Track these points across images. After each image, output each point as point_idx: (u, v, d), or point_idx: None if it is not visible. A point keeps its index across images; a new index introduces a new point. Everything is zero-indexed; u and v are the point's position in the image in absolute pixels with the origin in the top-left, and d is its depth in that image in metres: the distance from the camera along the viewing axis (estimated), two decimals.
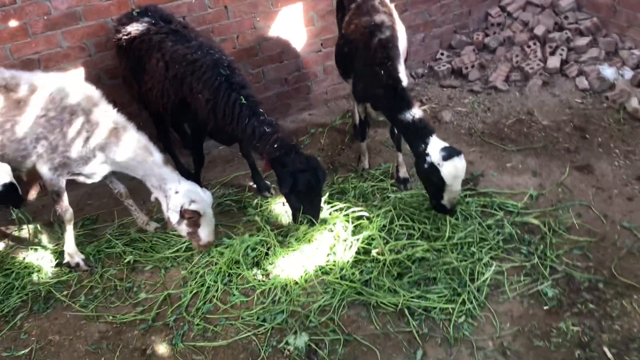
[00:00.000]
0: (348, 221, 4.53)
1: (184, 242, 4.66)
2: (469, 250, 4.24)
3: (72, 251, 4.60)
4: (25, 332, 4.15)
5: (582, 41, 6.52)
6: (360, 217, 4.59)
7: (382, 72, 4.44)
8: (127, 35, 4.86)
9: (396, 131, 4.94)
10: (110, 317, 4.17)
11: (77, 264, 4.59)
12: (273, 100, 6.41)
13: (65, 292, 4.43)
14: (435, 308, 3.84)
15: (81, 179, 4.50)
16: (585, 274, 4.00)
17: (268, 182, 5.30)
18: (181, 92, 4.61)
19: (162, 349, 3.89)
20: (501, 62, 6.68)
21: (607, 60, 6.37)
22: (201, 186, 4.95)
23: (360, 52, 4.63)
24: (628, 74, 6.11)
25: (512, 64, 6.61)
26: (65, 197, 4.48)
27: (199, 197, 4.28)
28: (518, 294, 3.92)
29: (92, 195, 5.51)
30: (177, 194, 4.28)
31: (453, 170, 4.15)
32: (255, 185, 5.32)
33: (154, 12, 4.95)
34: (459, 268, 4.07)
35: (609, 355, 3.43)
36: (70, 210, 4.54)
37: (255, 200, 5.12)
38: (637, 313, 3.67)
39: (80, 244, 4.85)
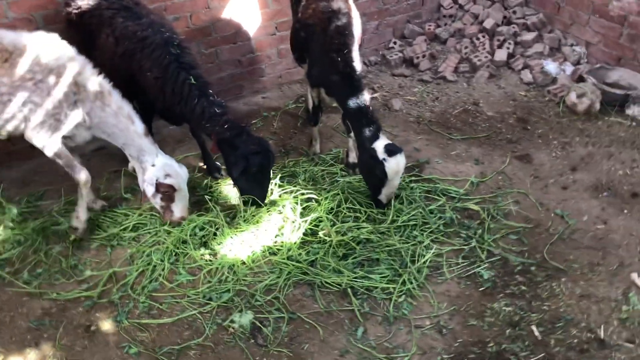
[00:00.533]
0: (297, 203, 4.61)
1: (130, 221, 4.65)
2: (411, 233, 4.40)
3: (82, 217, 4.52)
4: None
5: (528, 36, 6.77)
6: (309, 200, 4.68)
7: (339, 59, 4.50)
8: (77, 9, 4.77)
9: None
10: (54, 294, 4.13)
11: (77, 229, 4.53)
12: (226, 81, 6.40)
13: (8, 269, 4.36)
14: (377, 288, 3.99)
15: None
16: (519, 257, 4.21)
17: (218, 164, 5.31)
18: (130, 69, 4.57)
19: (107, 325, 3.90)
20: (451, 53, 6.86)
21: (551, 55, 6.64)
22: None
23: (317, 37, 4.67)
24: (569, 69, 6.39)
25: (462, 55, 6.80)
26: (71, 158, 4.36)
27: (175, 172, 4.31)
28: (456, 275, 4.10)
29: (38, 172, 5.40)
30: (154, 167, 4.30)
31: (395, 166, 4.35)
32: (205, 166, 5.33)
33: None
34: (401, 250, 4.22)
35: (536, 333, 3.65)
36: (85, 170, 4.40)
37: (205, 181, 5.14)
38: (564, 295, 3.90)
39: (24, 220, 4.78)
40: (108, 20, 4.63)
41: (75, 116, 4.15)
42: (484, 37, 6.82)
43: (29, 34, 4.12)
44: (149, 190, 4.37)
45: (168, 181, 4.30)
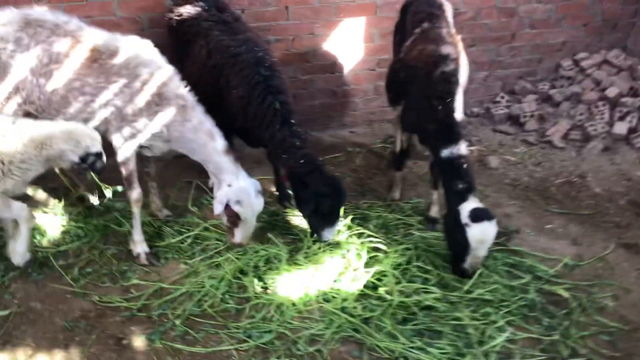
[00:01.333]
0: (362, 250, 4.23)
1: (191, 234, 4.46)
2: (484, 308, 3.87)
3: (137, 239, 4.33)
4: (11, 294, 4.01)
5: None
6: (376, 249, 4.28)
7: (440, 107, 4.13)
8: (178, 16, 4.74)
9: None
10: (96, 298, 3.98)
11: (138, 255, 4.33)
12: (317, 110, 6.20)
13: (61, 262, 4.28)
14: None
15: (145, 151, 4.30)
16: None
17: (290, 192, 5.05)
18: (218, 83, 4.44)
19: (139, 342, 3.67)
20: (563, 117, 6.26)
21: None
22: None
23: (419, 80, 4.30)
24: None
25: (575, 122, 6.19)
26: (135, 173, 4.21)
27: (248, 201, 4.04)
28: None
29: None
30: (229, 188, 4.05)
31: (479, 235, 3.87)
32: (277, 192, 5.09)
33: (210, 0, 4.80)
34: (469, 327, 3.70)
35: None
36: (139, 189, 4.23)
37: (273, 208, 4.89)
38: None
39: (90, 215, 4.74)
40: (205, 31, 4.54)
41: (154, 127, 4.00)
42: (604, 105, 6.18)
43: (124, 37, 4.06)
44: (217, 208, 4.10)
45: (237, 208, 4.03)
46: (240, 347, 3.62)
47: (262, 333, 3.70)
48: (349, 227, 4.54)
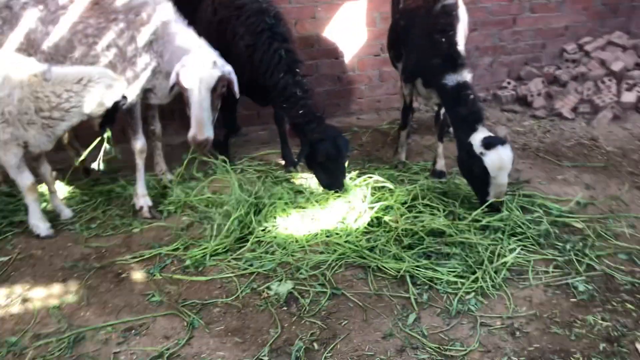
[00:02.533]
0: (367, 190, 4.15)
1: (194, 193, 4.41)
2: (495, 234, 3.72)
3: (140, 192, 4.30)
4: (12, 245, 3.98)
5: None
6: (382, 189, 4.20)
7: (444, 39, 4.12)
8: None
9: (441, 116, 4.63)
10: (97, 245, 3.93)
11: (141, 208, 4.29)
12: (323, 97, 6.21)
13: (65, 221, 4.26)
14: (441, 280, 3.33)
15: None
16: (629, 277, 3.36)
17: (295, 159, 5.02)
18: (224, 37, 4.52)
19: (138, 275, 3.59)
20: (570, 94, 6.22)
21: None
22: (230, 159, 4.75)
23: (420, 20, 4.32)
24: None
25: (582, 96, 6.14)
26: (139, 121, 4.20)
27: (193, 68, 3.67)
28: (543, 283, 3.35)
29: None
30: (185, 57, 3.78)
31: (497, 161, 3.77)
32: (283, 160, 5.06)
33: None
34: (478, 246, 3.55)
35: None
36: (143, 139, 4.23)
37: (279, 172, 4.85)
38: None
39: (96, 184, 4.75)
40: None
41: (149, 58, 4.02)
42: (610, 80, 6.14)
43: None
44: (171, 80, 3.83)
45: (182, 73, 3.68)
46: (242, 273, 3.50)
47: (264, 262, 3.59)
48: (354, 178, 4.46)
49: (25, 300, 3.36)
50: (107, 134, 3.93)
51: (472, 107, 3.96)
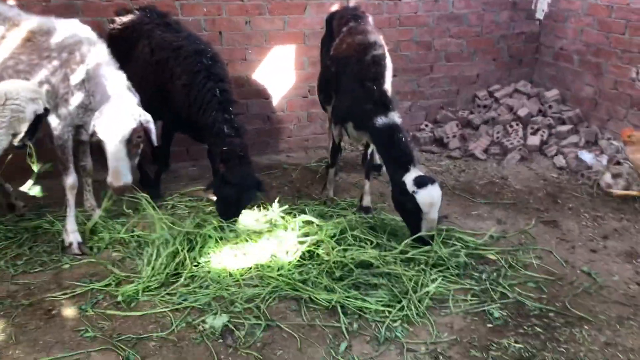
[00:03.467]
0: (296, 224, 4.33)
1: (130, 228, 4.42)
2: (419, 267, 3.98)
3: (70, 228, 4.25)
4: None
5: (564, 128, 6.64)
6: (310, 223, 4.39)
7: (374, 87, 4.38)
8: (120, 25, 4.99)
9: (368, 155, 4.91)
10: (24, 281, 3.86)
11: (70, 244, 4.23)
12: (253, 135, 6.36)
13: None
14: (370, 310, 3.53)
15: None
16: (537, 303, 3.71)
17: None
18: (162, 77, 4.63)
19: (69, 311, 3.56)
20: (482, 136, 6.74)
21: (587, 147, 6.42)
22: (159, 195, 4.82)
23: (351, 68, 4.57)
24: (605, 160, 6.11)
25: (493, 139, 6.67)
26: (71, 157, 4.20)
27: (106, 121, 3.73)
28: (462, 310, 3.62)
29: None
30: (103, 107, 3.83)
31: (428, 198, 4.03)
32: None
33: (152, 10, 5.11)
34: (403, 277, 3.80)
35: None
36: (74, 175, 4.21)
37: (210, 208, 4.94)
38: (586, 341, 3.35)
39: (21, 220, 4.66)
40: (147, 32, 4.80)
41: (79, 98, 4.06)
42: (517, 124, 6.72)
43: (61, 20, 4.23)
44: (90, 129, 3.88)
45: (97, 124, 3.75)
46: (176, 307, 3.55)
47: (198, 297, 3.66)
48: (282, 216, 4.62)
49: None
50: (30, 150, 3.86)
51: (405, 148, 4.23)
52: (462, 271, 4.04)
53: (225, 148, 4.33)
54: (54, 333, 3.33)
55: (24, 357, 3.12)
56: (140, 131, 3.87)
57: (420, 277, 3.83)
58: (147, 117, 3.89)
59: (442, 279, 3.89)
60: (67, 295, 3.69)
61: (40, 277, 3.94)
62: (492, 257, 4.26)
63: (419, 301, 3.64)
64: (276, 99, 6.45)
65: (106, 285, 3.80)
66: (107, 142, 3.76)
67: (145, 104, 4.68)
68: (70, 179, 4.21)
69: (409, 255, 4.05)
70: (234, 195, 4.33)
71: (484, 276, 3.98)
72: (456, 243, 4.37)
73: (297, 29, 6.27)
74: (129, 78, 4.48)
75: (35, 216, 4.78)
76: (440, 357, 3.19)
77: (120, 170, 3.78)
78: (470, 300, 3.73)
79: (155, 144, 4.07)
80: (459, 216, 4.99)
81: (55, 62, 4.00)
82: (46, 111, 3.77)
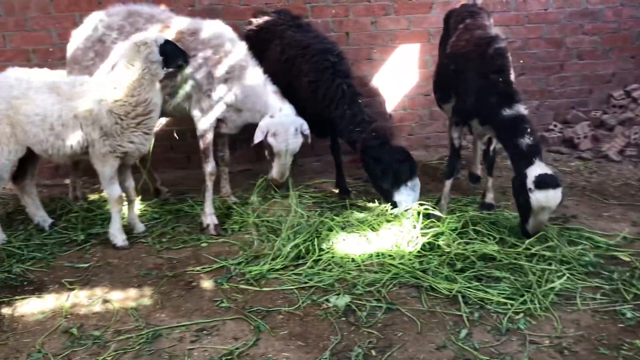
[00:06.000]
0: (419, 217, 4.39)
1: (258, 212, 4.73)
2: (544, 262, 3.89)
3: (208, 211, 4.67)
4: (90, 254, 4.37)
5: None
6: (430, 217, 4.44)
7: (500, 79, 4.32)
8: (256, 26, 5.37)
9: (491, 152, 4.85)
10: (168, 256, 4.27)
11: (207, 226, 4.64)
12: None
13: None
14: (492, 301, 3.52)
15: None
16: None
17: (349, 188, 5.34)
18: (290, 74, 4.92)
19: (207, 284, 3.89)
20: (618, 137, 6.38)
21: None
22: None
23: (473, 63, 4.53)
24: None
25: (630, 140, 6.28)
26: (211, 147, 4.66)
27: (283, 136, 4.36)
28: (590, 308, 3.49)
29: (186, 178, 5.82)
30: (270, 119, 4.43)
31: (544, 201, 3.92)
32: (337, 190, 5.36)
33: (285, 12, 5.44)
34: (528, 271, 3.74)
35: None
36: (213, 163, 4.66)
37: (333, 199, 5.14)
38: None
39: (165, 203, 5.15)
40: (280, 33, 5.13)
41: (228, 97, 4.46)
42: None
43: (207, 21, 4.66)
44: (257, 136, 4.43)
45: (271, 141, 4.36)
46: (302, 286, 3.77)
47: (322, 277, 3.85)
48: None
49: (105, 302, 3.70)
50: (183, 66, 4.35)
51: (530, 139, 4.10)
52: (591, 269, 3.88)
53: (373, 133, 4.60)
54: (193, 302, 3.67)
55: (169, 321, 3.46)
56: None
57: (545, 272, 3.74)
58: (306, 125, 4.49)
59: (569, 276, 3.76)
60: (205, 270, 4.03)
61: (182, 253, 4.34)
62: (625, 258, 4.05)
63: (543, 296, 3.55)
64: (398, 97, 6.55)
65: (239, 263, 4.09)
66: (280, 154, 4.44)
67: None
68: (210, 167, 4.60)
69: (533, 250, 3.96)
70: (409, 169, 4.60)
71: (615, 276, 3.79)
72: (585, 243, 4.20)
73: (422, 28, 6.35)
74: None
75: (177, 200, 5.28)
76: (566, 352, 3.10)
77: (284, 171, 4.56)
78: (600, 299, 3.57)
79: (309, 141, 4.58)
80: (589, 217, 4.78)
81: (200, 60, 4.39)
82: (166, 44, 4.15)
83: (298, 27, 5.19)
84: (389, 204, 4.64)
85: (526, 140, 4.09)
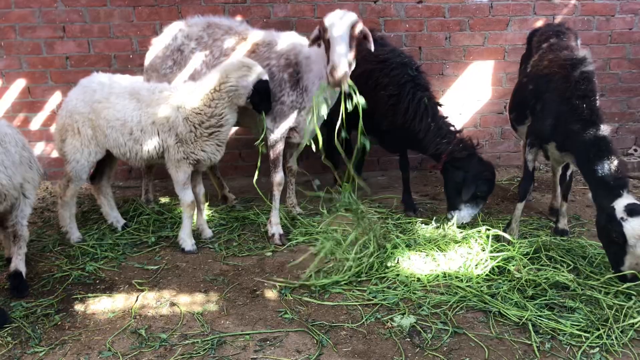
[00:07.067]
0: (488, 238, 4.28)
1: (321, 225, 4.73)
2: (624, 297, 3.69)
3: (274, 220, 4.71)
4: (160, 256, 4.48)
5: None
6: (500, 240, 4.32)
7: (584, 105, 4.08)
8: None
9: (567, 177, 4.66)
10: (234, 263, 4.33)
11: (273, 235, 4.67)
12: None
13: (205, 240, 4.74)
14: (564, 332, 3.36)
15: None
16: None
17: (416, 204, 5.26)
18: (364, 88, 4.89)
19: (271, 294, 3.91)
20: None
21: None
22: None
23: (556, 85, 4.31)
24: None
25: None
26: (280, 157, 4.66)
27: (334, 18, 4.04)
28: None
29: (252, 186, 5.90)
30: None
31: (639, 229, 3.62)
32: (403, 205, 5.29)
33: None
34: (604, 303, 3.56)
35: None
36: (281, 174, 4.68)
37: (398, 216, 5.09)
38: None
39: (232, 210, 5.24)
40: None
41: (295, 97, 4.47)
42: None
43: (282, 33, 4.71)
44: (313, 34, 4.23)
45: (325, 21, 4.06)
46: (366, 303, 3.73)
47: (387, 295, 3.80)
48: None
49: (172, 305, 3.78)
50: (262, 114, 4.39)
51: (617, 171, 3.87)
52: None
53: (460, 145, 4.63)
54: (257, 310, 3.69)
55: (233, 328, 3.50)
56: (361, 26, 4.13)
57: (624, 307, 3.54)
58: (366, 29, 4.19)
59: None
60: (269, 279, 4.06)
61: (247, 260, 4.39)
62: None
63: (622, 331, 3.37)
64: (470, 114, 6.42)
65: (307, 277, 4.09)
66: (332, 26, 3.98)
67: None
68: (278, 177, 4.63)
69: (621, 288, 3.74)
70: (489, 187, 4.66)
71: None
72: None
73: (497, 45, 6.21)
74: None
75: (243, 208, 5.36)
76: None
77: (342, 54, 3.95)
78: None
79: (373, 48, 4.31)
80: None
81: (274, 69, 4.44)
82: (262, 83, 4.19)
83: (374, 40, 5.16)
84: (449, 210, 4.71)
85: (612, 172, 3.86)
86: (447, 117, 4.80)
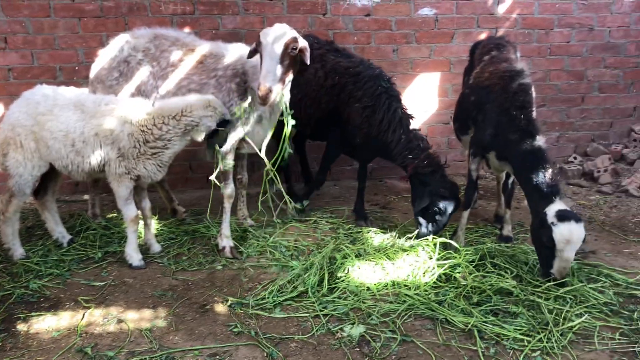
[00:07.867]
0: (435, 247, 4.38)
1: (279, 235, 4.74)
2: (563, 301, 3.84)
3: (225, 233, 4.67)
4: (107, 272, 4.39)
5: None
6: (447, 247, 4.42)
7: (522, 115, 4.26)
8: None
9: (509, 185, 4.82)
10: (183, 278, 4.29)
11: (224, 248, 4.64)
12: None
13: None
14: (508, 337, 3.47)
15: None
16: None
17: (367, 214, 5.33)
18: (336, 100, 4.96)
19: (220, 308, 3.88)
20: (638, 172, 6.32)
21: None
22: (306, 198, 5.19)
23: (495, 96, 4.47)
24: None
25: None
26: (231, 169, 4.61)
27: (269, 33, 4.02)
28: (609, 349, 3.42)
29: (204, 198, 5.85)
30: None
31: (567, 234, 3.81)
32: (355, 214, 5.35)
33: (314, 37, 5.49)
34: (546, 308, 3.69)
35: None
36: (232, 185, 4.64)
37: (349, 225, 5.14)
38: None
39: (181, 224, 5.18)
40: (318, 57, 5.12)
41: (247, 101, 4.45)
42: None
43: (229, 45, 4.70)
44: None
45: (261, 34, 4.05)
46: (316, 314, 3.75)
47: (337, 306, 3.83)
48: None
49: (120, 321, 3.70)
50: (216, 148, 4.36)
51: (550, 178, 4.04)
52: (611, 308, 3.81)
53: (425, 161, 4.69)
54: (207, 325, 3.66)
55: (182, 344, 3.46)
56: (296, 44, 4.05)
57: (563, 310, 3.68)
58: (305, 43, 4.15)
59: (587, 315, 3.71)
60: (219, 293, 4.03)
61: (197, 275, 4.35)
62: None
63: (561, 334, 3.50)
64: (417, 125, 6.50)
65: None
66: (266, 43, 3.96)
67: (312, 125, 5.06)
68: (229, 189, 4.62)
69: (559, 293, 3.89)
70: (449, 209, 4.64)
71: (635, 315, 3.73)
72: (604, 280, 4.15)
73: (442, 57, 6.38)
74: (298, 100, 4.91)
75: (193, 221, 5.31)
76: None
77: (269, 71, 3.91)
78: (619, 339, 3.51)
79: (308, 63, 4.22)
80: (609, 253, 4.72)
81: (221, 79, 4.44)
82: (224, 123, 4.21)
83: (336, 51, 5.23)
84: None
85: (546, 179, 4.03)
86: (419, 130, 4.91)
